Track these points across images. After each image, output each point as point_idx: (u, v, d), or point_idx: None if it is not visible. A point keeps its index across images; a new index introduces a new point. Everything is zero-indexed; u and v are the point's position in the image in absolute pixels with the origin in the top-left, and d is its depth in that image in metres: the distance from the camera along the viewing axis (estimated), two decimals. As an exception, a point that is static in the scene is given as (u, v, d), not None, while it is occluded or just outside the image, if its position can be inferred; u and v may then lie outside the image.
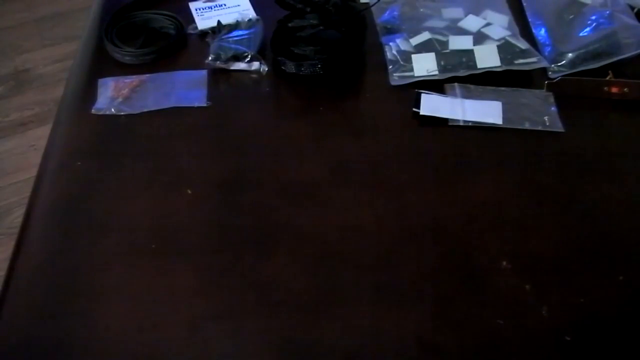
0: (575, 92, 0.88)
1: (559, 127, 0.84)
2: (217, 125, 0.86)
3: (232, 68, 0.92)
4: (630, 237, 0.73)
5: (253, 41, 0.94)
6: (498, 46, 0.90)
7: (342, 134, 0.84)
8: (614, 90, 0.87)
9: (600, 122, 0.86)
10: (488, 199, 0.76)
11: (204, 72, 0.92)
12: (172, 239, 0.72)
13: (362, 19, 0.94)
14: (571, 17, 0.96)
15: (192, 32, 0.99)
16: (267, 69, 0.92)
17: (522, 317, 0.65)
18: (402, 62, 0.91)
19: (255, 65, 0.92)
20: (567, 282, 0.68)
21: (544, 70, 0.91)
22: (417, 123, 0.85)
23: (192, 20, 1.01)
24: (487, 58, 0.90)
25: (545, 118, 0.85)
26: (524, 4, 1.02)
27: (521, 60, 0.90)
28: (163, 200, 0.76)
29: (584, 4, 0.96)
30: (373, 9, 1.00)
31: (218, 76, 0.92)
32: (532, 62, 0.90)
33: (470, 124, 0.85)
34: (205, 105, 0.87)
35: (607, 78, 0.88)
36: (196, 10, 1.03)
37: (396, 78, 0.90)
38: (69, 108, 0.90)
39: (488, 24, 0.94)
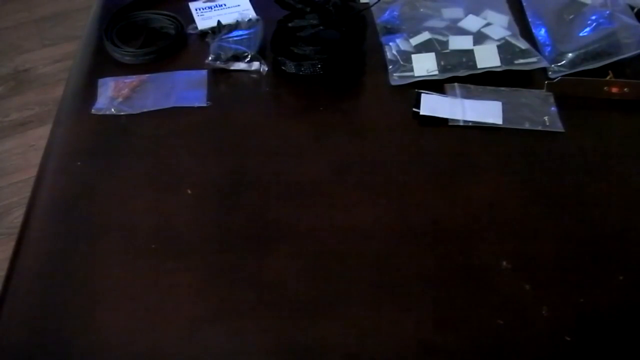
0: (575, 92, 0.88)
1: (559, 127, 0.84)
2: (217, 125, 0.86)
3: (232, 68, 0.92)
4: (630, 237, 0.73)
5: (253, 41, 0.94)
6: (498, 46, 0.90)
7: (342, 134, 0.84)
8: (614, 90, 0.87)
9: (600, 122, 0.86)
10: (488, 199, 0.76)
11: (204, 72, 0.92)
12: (172, 239, 0.72)
13: (362, 19, 0.94)
14: (571, 17, 0.96)
15: (192, 32, 0.99)
16: (267, 69, 0.92)
17: (522, 317, 0.65)
18: (402, 62, 0.91)
19: (255, 65, 0.92)
20: (567, 282, 0.68)
21: (544, 70, 0.91)
22: (417, 123, 0.85)
23: (192, 20, 1.01)
24: (487, 58, 0.90)
25: (545, 118, 0.85)
26: (524, 4, 1.02)
27: (521, 60, 0.90)
28: (163, 200, 0.76)
29: (584, 4, 0.96)
30: (373, 9, 1.00)
31: (218, 76, 0.92)
32: (532, 62, 0.90)
33: (470, 124, 0.85)
34: (205, 105, 0.87)
35: (607, 78, 0.88)
36: (196, 10, 1.03)
37: (396, 78, 0.90)
38: (69, 108, 0.90)
39: (488, 24, 0.94)
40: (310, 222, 0.74)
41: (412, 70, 0.90)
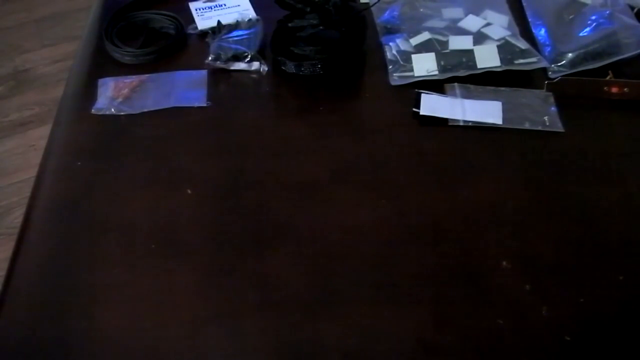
0: (575, 92, 0.88)
1: (559, 127, 0.84)
2: (217, 125, 0.86)
3: (232, 68, 0.92)
4: (630, 237, 0.72)
5: (253, 41, 0.94)
6: (498, 46, 0.90)
7: (342, 134, 0.84)
8: (614, 90, 0.87)
9: (600, 122, 0.86)
10: (488, 199, 0.76)
11: (204, 72, 0.92)
12: (172, 239, 0.72)
13: (362, 19, 0.94)
14: (571, 17, 0.96)
15: (192, 32, 0.99)
16: (267, 69, 0.92)
17: (522, 317, 0.65)
18: (402, 62, 0.91)
19: (255, 65, 0.92)
20: (567, 282, 0.68)
21: (544, 70, 0.91)
22: (417, 123, 0.85)
23: (192, 20, 1.01)
24: (487, 58, 0.90)
25: (545, 118, 0.85)
26: (524, 4, 1.02)
27: (521, 60, 0.90)
28: (163, 200, 0.76)
29: (584, 4, 0.96)
30: (373, 9, 1.00)
31: (218, 76, 0.92)
32: (532, 62, 0.90)
33: (470, 124, 0.85)
34: (205, 105, 0.87)
35: (607, 78, 0.88)
36: (196, 10, 1.03)
37: (396, 78, 0.90)
38: (69, 108, 0.90)
39: (488, 24, 0.94)
40: (310, 222, 0.74)
41: (412, 70, 0.90)
